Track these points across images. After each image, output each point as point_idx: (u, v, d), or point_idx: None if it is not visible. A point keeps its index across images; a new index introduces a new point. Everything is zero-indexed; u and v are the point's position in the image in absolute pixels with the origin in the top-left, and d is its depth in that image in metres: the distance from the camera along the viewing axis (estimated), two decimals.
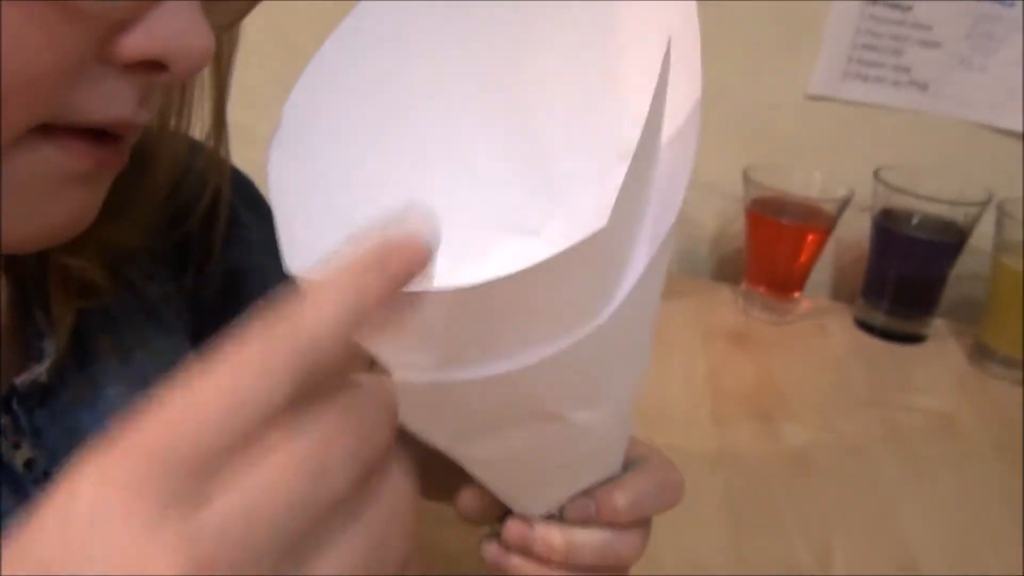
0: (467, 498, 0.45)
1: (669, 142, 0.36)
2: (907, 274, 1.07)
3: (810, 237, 1.06)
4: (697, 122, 0.36)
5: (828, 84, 1.12)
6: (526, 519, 0.44)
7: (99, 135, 0.36)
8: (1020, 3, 1.07)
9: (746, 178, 1.07)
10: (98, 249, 0.44)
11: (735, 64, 1.10)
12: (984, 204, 1.04)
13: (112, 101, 0.35)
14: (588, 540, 0.43)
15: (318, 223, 0.35)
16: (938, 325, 1.11)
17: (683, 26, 0.35)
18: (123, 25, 0.33)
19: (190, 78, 0.41)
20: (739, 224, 1.13)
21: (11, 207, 0.35)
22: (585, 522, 0.43)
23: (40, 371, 0.43)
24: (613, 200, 0.30)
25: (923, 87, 1.12)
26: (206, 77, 0.46)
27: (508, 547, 0.44)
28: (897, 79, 1.12)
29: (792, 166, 1.08)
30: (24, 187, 0.35)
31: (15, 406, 0.42)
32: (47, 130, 0.34)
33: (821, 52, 1.11)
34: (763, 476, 0.85)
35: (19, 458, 0.42)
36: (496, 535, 0.45)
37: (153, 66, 0.35)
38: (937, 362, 1.06)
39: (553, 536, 0.43)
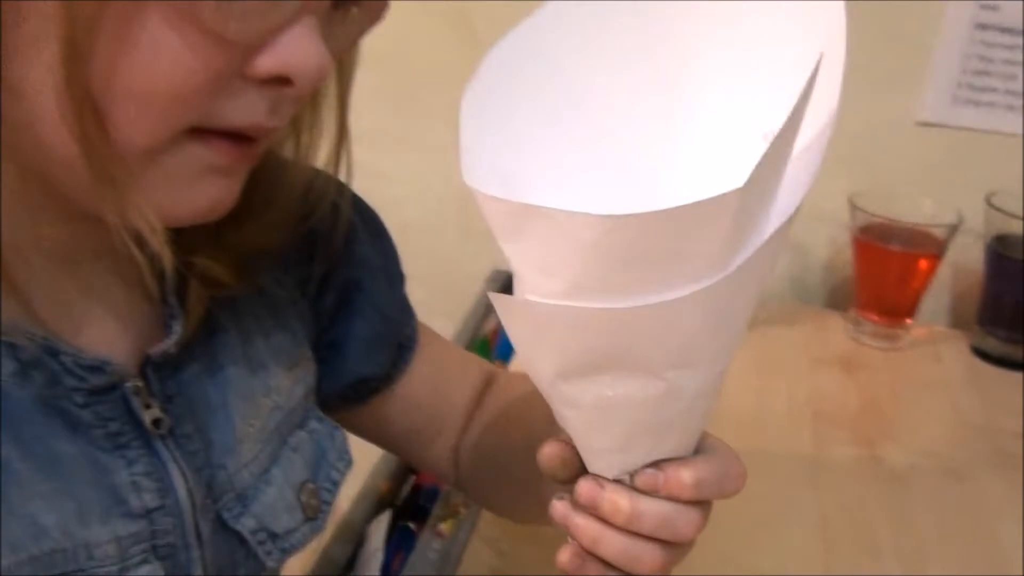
0: (550, 450, 0.48)
1: (804, 142, 0.40)
2: (1021, 299, 1.06)
3: (919, 264, 1.06)
4: (828, 134, 0.40)
5: (938, 110, 1.12)
6: (598, 479, 0.47)
7: (237, 136, 0.43)
8: None
9: (852, 205, 1.07)
10: (230, 250, 0.51)
11: (843, 90, 1.11)
12: None
13: (248, 109, 0.42)
14: (651, 508, 0.46)
15: (496, 150, 0.41)
16: None
17: (833, 38, 0.39)
18: (257, 48, 0.41)
19: (318, 97, 0.51)
20: (849, 251, 1.13)
21: (168, 192, 0.43)
22: (652, 491, 0.46)
23: (170, 344, 0.50)
24: (753, 168, 0.35)
25: None
26: (332, 95, 0.53)
27: (576, 505, 0.48)
28: (1010, 103, 1.11)
29: (900, 192, 1.08)
30: (177, 176, 0.43)
31: (149, 373, 0.49)
32: (195, 131, 0.42)
33: (930, 78, 1.11)
34: (860, 497, 0.85)
35: (148, 416, 0.49)
36: (566, 496, 0.48)
37: (281, 81, 0.42)
38: None
39: (621, 498, 0.46)
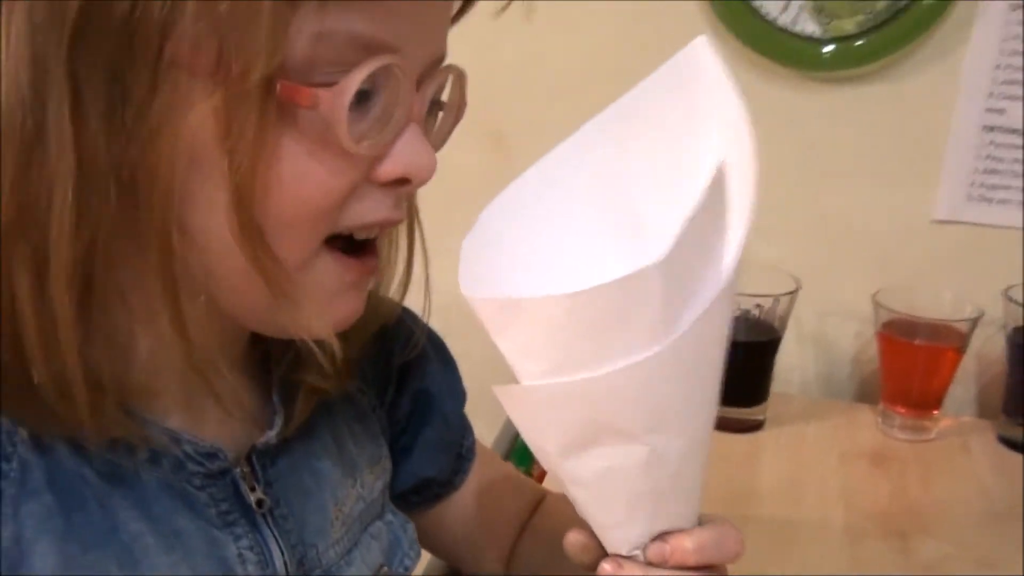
0: (572, 537, 0.56)
1: (725, 221, 0.47)
2: None
3: (943, 357, 1.10)
4: (749, 210, 0.47)
5: (953, 208, 1.17)
6: (616, 559, 0.53)
7: (357, 247, 0.51)
8: None
9: (876, 303, 1.12)
10: (329, 359, 0.57)
11: (860, 191, 1.17)
12: None
13: (376, 208, 0.50)
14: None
15: (493, 266, 0.50)
16: None
17: (740, 132, 0.47)
18: (380, 157, 0.48)
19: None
20: (875, 346, 1.17)
21: (311, 307, 0.50)
22: (661, 563, 0.53)
23: (271, 436, 0.57)
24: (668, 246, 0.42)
25: None
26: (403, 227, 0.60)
27: None
28: (1022, 199, 1.16)
29: (921, 288, 1.13)
30: (320, 292, 0.51)
31: (254, 460, 0.57)
32: (328, 246, 0.49)
33: (944, 178, 1.16)
34: None
35: (253, 497, 0.56)
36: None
37: (401, 181, 0.49)
38: None
39: (632, 570, 0.53)
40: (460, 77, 0.53)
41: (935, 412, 1.13)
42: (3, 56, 0.42)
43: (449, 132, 0.55)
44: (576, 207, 0.53)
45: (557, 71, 1.24)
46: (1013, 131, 1.14)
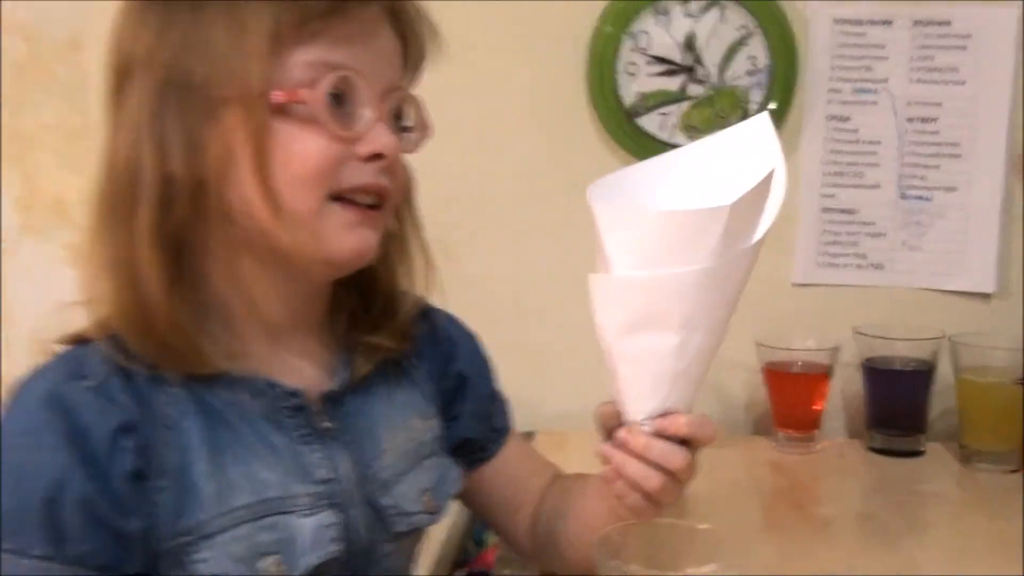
0: (603, 408, 0.81)
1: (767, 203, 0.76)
2: (893, 401, 1.40)
3: (815, 382, 1.40)
4: (780, 200, 0.76)
5: (807, 273, 1.50)
6: (629, 429, 0.77)
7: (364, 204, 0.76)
8: (935, 198, 1.47)
9: (758, 345, 1.41)
10: (391, 334, 0.84)
11: None
12: (940, 339, 1.38)
13: (362, 174, 0.75)
14: (657, 444, 0.77)
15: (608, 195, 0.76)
16: (930, 443, 1.42)
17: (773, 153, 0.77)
18: (359, 141, 0.74)
19: (406, 244, 0.84)
20: (761, 391, 1.46)
21: (331, 240, 0.75)
22: (660, 432, 0.77)
23: (335, 385, 0.81)
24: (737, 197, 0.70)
25: (879, 267, 1.49)
26: (415, 240, 0.85)
27: (613, 445, 0.79)
28: (859, 263, 1.50)
29: (791, 336, 1.43)
30: (334, 229, 0.75)
31: (324, 401, 0.80)
32: (335, 199, 0.74)
33: (796, 249, 1.49)
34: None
35: (323, 425, 0.79)
36: (608, 441, 0.80)
37: (376, 157, 0.75)
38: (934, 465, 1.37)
39: (639, 438, 0.77)
40: (414, 101, 0.80)
41: (815, 431, 1.42)
42: (127, 118, 0.72)
43: (417, 146, 0.81)
44: (663, 186, 0.80)
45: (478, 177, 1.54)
46: (844, 211, 1.49)
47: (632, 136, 1.47)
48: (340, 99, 0.73)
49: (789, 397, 1.42)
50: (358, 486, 0.80)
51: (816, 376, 1.40)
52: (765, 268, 1.48)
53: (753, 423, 1.54)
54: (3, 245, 1.61)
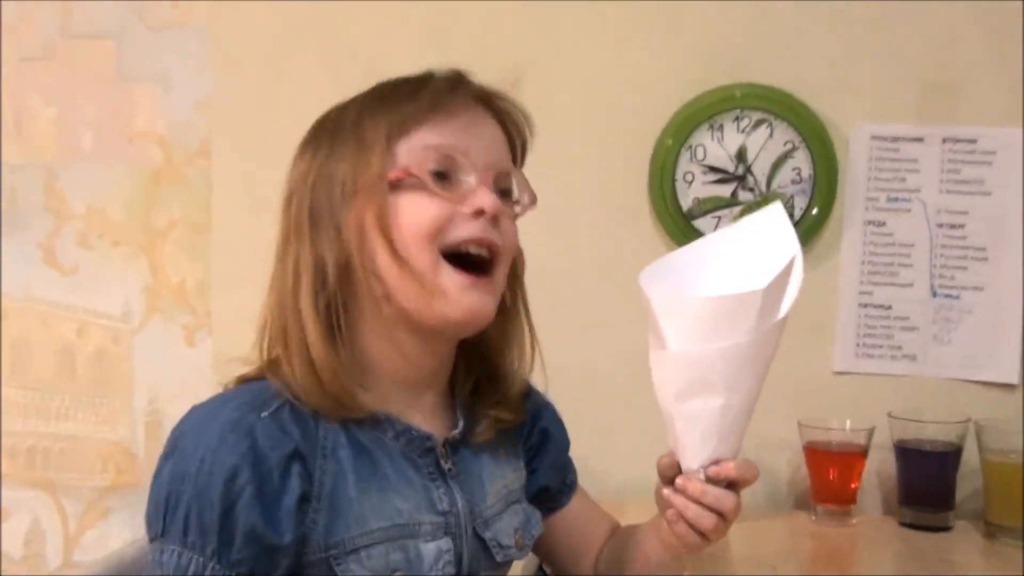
0: (666, 460, 0.96)
1: (788, 288, 0.93)
2: (923, 480, 1.55)
3: (852, 459, 1.55)
4: (797, 287, 0.93)
5: (847, 362, 1.67)
6: (686, 476, 0.94)
7: (475, 268, 0.92)
8: (963, 296, 1.63)
9: (800, 426, 1.58)
10: (511, 409, 1.02)
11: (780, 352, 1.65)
12: (966, 423, 1.53)
13: (469, 228, 0.91)
14: (712, 490, 0.93)
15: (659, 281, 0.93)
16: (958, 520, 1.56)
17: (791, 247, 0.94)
18: (464, 201, 0.92)
19: (509, 327, 1.02)
20: (802, 470, 1.62)
21: (447, 300, 0.91)
22: (714, 477, 0.93)
23: (455, 434, 1.00)
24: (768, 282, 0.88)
25: (912, 358, 1.65)
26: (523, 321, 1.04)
27: (674, 491, 0.95)
28: (894, 355, 1.66)
29: (830, 419, 1.59)
30: (449, 288, 0.91)
31: (447, 445, 0.99)
32: (449, 258, 0.91)
33: (838, 341, 1.66)
34: None
35: (446, 466, 0.98)
36: (669, 485, 0.96)
37: (479, 213, 0.91)
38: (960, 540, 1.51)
39: (696, 485, 0.93)
40: (518, 175, 0.98)
41: (852, 506, 1.57)
42: (291, 225, 0.95)
43: (524, 210, 0.99)
44: (703, 269, 0.97)
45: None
46: (880, 307, 1.65)
47: (689, 236, 1.64)
48: (444, 173, 0.92)
49: (828, 474, 1.57)
50: (468, 520, 0.98)
51: (853, 455, 1.56)
52: (808, 357, 1.67)
53: (794, 498, 1.69)
54: (133, 325, 1.83)
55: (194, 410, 0.91)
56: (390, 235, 0.91)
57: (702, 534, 0.95)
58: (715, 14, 1.67)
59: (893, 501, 1.62)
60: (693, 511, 0.94)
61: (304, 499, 0.87)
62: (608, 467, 1.66)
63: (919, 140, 1.64)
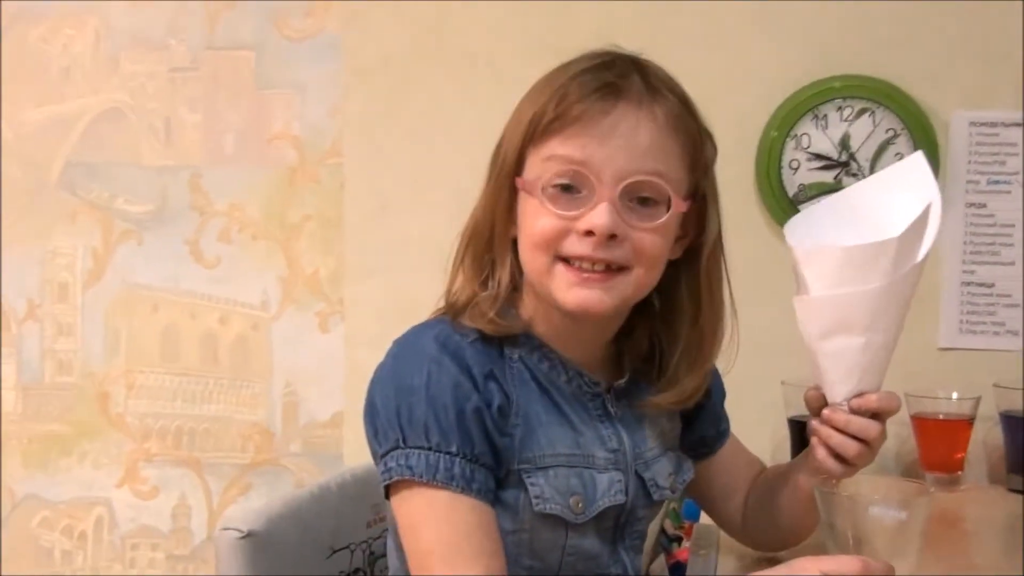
0: (812, 393, 1.06)
1: (927, 231, 1.01)
2: None
3: (959, 427, 1.62)
4: (935, 229, 1.01)
5: (950, 338, 1.74)
6: (832, 407, 1.03)
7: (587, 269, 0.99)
8: None
9: (907, 397, 1.64)
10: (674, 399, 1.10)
11: None
12: None
13: (580, 246, 0.98)
14: (855, 420, 1.02)
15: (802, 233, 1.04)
16: None
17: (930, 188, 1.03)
18: (582, 218, 0.98)
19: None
20: (909, 443, 1.69)
21: (557, 295, 1.00)
22: (857, 408, 1.02)
23: (620, 383, 1.09)
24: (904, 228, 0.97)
25: (1015, 334, 1.72)
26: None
27: (821, 422, 1.04)
28: (996, 331, 1.72)
29: (937, 391, 1.66)
30: (557, 286, 1.00)
31: (612, 392, 1.09)
32: (561, 261, 0.99)
33: (941, 318, 1.73)
34: None
35: (612, 410, 1.09)
36: (816, 417, 1.05)
37: (591, 233, 0.97)
38: None
39: (841, 416, 1.02)
40: (652, 186, 0.98)
41: (959, 472, 1.64)
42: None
43: (655, 219, 0.99)
44: (844, 220, 1.05)
45: None
46: (983, 284, 1.72)
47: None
48: (569, 186, 0.98)
49: (936, 443, 1.64)
50: (632, 460, 1.08)
51: (960, 424, 1.62)
52: (913, 333, 1.74)
53: (903, 469, 1.75)
54: (271, 313, 1.97)
55: (400, 340, 1.03)
56: (519, 236, 1.02)
57: (847, 461, 1.04)
58: (816, 11, 1.77)
59: (999, 471, 1.68)
60: (837, 440, 1.03)
61: (502, 412, 0.99)
62: None
63: (1018, 125, 1.71)
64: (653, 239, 1.00)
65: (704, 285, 1.08)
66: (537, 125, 0.99)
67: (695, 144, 1.04)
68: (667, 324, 1.10)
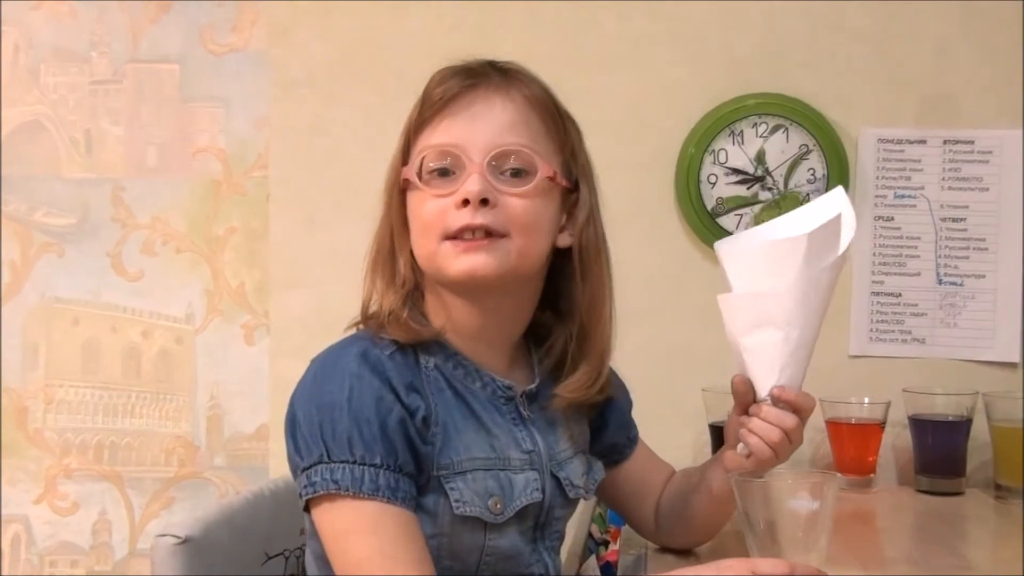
0: (738, 382, 1.11)
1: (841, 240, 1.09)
2: (937, 448, 1.68)
3: (871, 432, 1.69)
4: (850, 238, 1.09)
5: (861, 347, 1.81)
6: (758, 404, 1.09)
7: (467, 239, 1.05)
8: (966, 283, 1.78)
9: (822, 403, 1.71)
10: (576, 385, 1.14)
11: None
12: (975, 395, 1.67)
13: (460, 217, 1.04)
14: (776, 412, 1.08)
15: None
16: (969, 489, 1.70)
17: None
18: (456, 192, 1.04)
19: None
20: (824, 446, 1.75)
21: (445, 269, 1.05)
22: (776, 399, 1.08)
23: (532, 388, 1.13)
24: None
25: (922, 341, 1.80)
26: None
27: (746, 416, 1.10)
28: (904, 338, 1.80)
29: (849, 397, 1.72)
30: (444, 261, 1.05)
31: (525, 396, 1.12)
32: (447, 239, 1.04)
33: (852, 326, 1.80)
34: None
35: (525, 413, 1.12)
36: (739, 407, 1.11)
37: (466, 202, 1.03)
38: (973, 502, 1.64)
39: (762, 406, 1.09)
40: (518, 154, 1.05)
41: (871, 475, 1.70)
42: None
43: (523, 184, 1.05)
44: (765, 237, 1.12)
45: None
46: (891, 295, 1.80)
47: (714, 233, 1.80)
48: (446, 169, 1.05)
49: (848, 447, 1.70)
50: (546, 461, 1.12)
51: (871, 428, 1.69)
52: (826, 342, 1.79)
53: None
54: (195, 325, 1.97)
55: (321, 357, 1.05)
56: (409, 229, 1.09)
57: (767, 448, 1.09)
58: (732, 32, 1.83)
59: (908, 473, 1.75)
60: (758, 425, 1.09)
61: (425, 421, 1.02)
62: None
63: (922, 142, 1.80)
64: (525, 204, 1.05)
65: (579, 269, 1.12)
66: (410, 128, 1.09)
67: (556, 123, 1.10)
68: (570, 319, 1.14)
